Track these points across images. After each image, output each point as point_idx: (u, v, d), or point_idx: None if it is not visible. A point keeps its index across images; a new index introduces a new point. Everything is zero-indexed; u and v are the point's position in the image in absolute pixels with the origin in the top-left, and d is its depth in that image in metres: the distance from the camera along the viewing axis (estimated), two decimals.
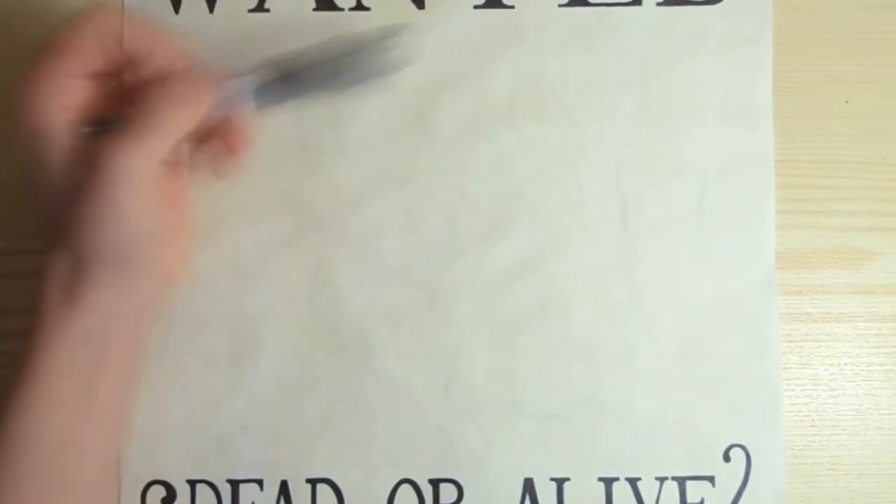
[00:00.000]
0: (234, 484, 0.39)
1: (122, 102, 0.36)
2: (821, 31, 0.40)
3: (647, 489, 0.39)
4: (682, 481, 0.39)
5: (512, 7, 0.40)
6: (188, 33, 0.40)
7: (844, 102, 0.40)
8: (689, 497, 0.39)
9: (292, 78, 0.35)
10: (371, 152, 0.40)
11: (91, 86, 0.34)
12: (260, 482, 0.39)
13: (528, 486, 0.39)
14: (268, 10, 0.40)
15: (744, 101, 0.40)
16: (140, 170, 0.32)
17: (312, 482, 0.39)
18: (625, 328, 0.39)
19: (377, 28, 0.37)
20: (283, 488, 0.39)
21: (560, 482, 0.39)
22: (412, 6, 0.40)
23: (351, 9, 0.40)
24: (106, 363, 0.34)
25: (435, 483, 0.39)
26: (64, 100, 0.32)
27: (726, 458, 0.39)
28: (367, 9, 0.40)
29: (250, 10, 0.40)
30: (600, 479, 0.39)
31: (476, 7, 0.40)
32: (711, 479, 0.39)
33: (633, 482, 0.39)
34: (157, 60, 0.34)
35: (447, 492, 0.39)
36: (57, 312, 0.33)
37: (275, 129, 0.39)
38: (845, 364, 0.40)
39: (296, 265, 0.39)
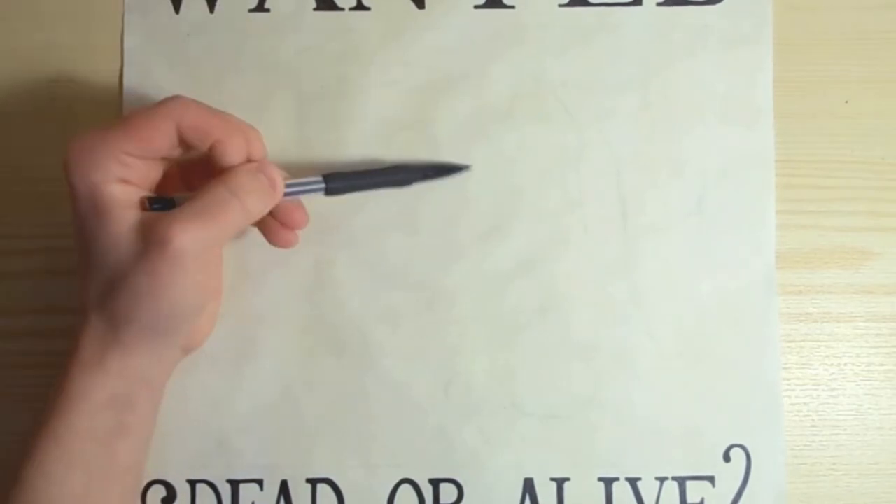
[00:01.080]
0: (234, 484, 0.39)
1: (184, 179, 0.37)
2: (821, 31, 0.40)
3: (647, 489, 0.39)
4: (682, 481, 0.39)
5: (512, 7, 0.40)
6: (188, 33, 0.40)
7: (844, 102, 0.40)
8: (689, 497, 0.39)
9: (361, 175, 0.37)
10: (371, 152, 0.40)
11: (156, 164, 0.34)
12: (260, 482, 0.39)
13: (528, 486, 0.39)
14: (268, 10, 0.40)
15: (744, 101, 0.40)
16: (199, 253, 0.32)
17: (312, 482, 0.39)
18: (625, 328, 0.39)
19: (444, 163, 0.39)
20: (283, 488, 0.39)
21: (560, 482, 0.39)
22: (412, 6, 0.40)
23: (351, 9, 0.40)
24: (128, 428, 0.34)
25: (435, 483, 0.39)
26: (127, 174, 0.33)
27: (726, 458, 0.39)
28: (368, 9, 0.40)
29: (250, 10, 0.40)
30: (600, 479, 0.39)
31: (476, 7, 0.40)
32: (711, 479, 0.39)
33: (633, 482, 0.39)
34: (237, 152, 0.34)
35: (447, 492, 0.39)
36: (86, 375, 0.33)
37: (275, 130, 0.39)
38: (845, 364, 0.40)
39: (296, 265, 0.39)
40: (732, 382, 0.39)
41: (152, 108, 0.33)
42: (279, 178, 0.34)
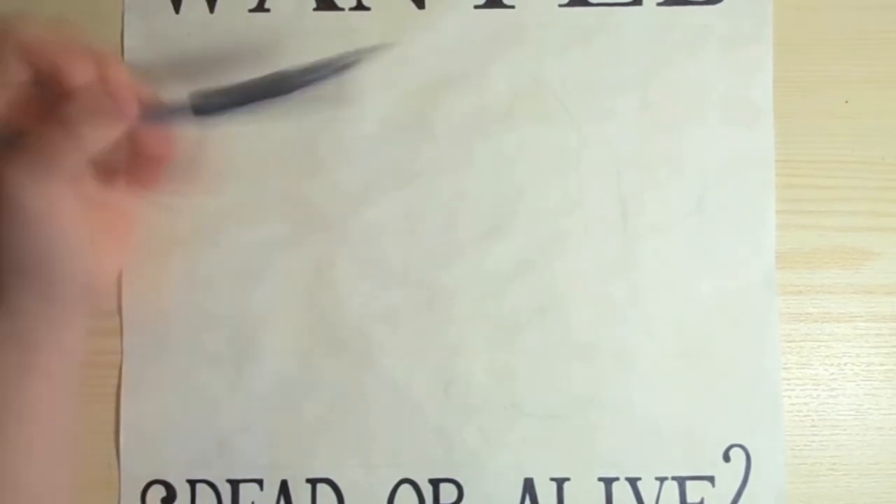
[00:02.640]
0: (234, 484, 0.39)
1: (38, 113, 0.34)
2: (821, 31, 0.40)
3: (647, 489, 0.39)
4: (682, 481, 0.39)
5: (512, 7, 0.40)
6: (188, 33, 0.40)
7: (844, 102, 0.40)
8: (689, 497, 0.39)
9: (232, 88, 0.34)
10: (371, 152, 0.40)
11: (2, 94, 0.32)
12: (260, 482, 0.39)
13: (528, 486, 0.39)
14: (268, 10, 0.40)
15: (744, 101, 0.40)
16: (45, 187, 0.31)
17: (312, 482, 0.39)
18: (625, 328, 0.39)
19: (326, 60, 0.35)
20: (283, 488, 0.39)
21: (560, 482, 0.39)
22: (412, 6, 0.40)
23: (351, 9, 0.40)
24: (33, 366, 0.33)
25: (435, 483, 0.39)
26: None
27: (726, 458, 0.39)
28: (368, 9, 0.40)
29: (250, 10, 0.40)
30: (600, 479, 0.39)
31: (476, 7, 0.40)
32: (711, 479, 0.39)
33: (633, 482, 0.39)
34: (80, 73, 0.32)
35: (447, 492, 0.39)
36: None
37: (275, 130, 0.39)
38: (845, 364, 0.40)
39: (296, 265, 0.39)
40: (732, 382, 0.39)
41: None
42: (130, 101, 0.32)
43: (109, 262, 0.36)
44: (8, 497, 0.33)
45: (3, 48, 0.31)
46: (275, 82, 0.34)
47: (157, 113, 0.33)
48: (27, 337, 0.33)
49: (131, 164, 0.36)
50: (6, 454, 0.33)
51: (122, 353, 0.39)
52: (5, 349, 0.33)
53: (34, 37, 0.31)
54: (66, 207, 0.32)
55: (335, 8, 0.40)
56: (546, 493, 0.39)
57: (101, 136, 0.32)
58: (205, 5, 0.40)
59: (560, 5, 0.40)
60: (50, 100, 0.33)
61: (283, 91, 0.34)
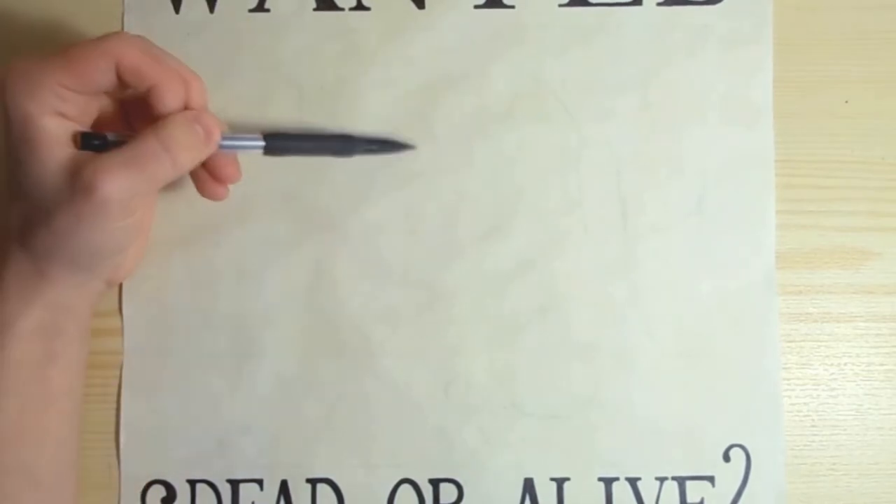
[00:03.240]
0: (234, 484, 0.39)
1: (125, 117, 0.36)
2: (821, 31, 0.40)
3: (647, 489, 0.39)
4: (681, 481, 0.39)
5: (512, 7, 0.40)
6: (188, 33, 0.40)
7: (844, 102, 0.40)
8: (689, 497, 0.39)
9: (303, 136, 0.38)
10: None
11: (95, 99, 0.34)
12: (260, 482, 0.39)
13: (528, 486, 0.39)
14: (268, 10, 0.40)
15: (744, 101, 0.40)
16: (124, 202, 0.32)
17: (312, 482, 0.39)
18: (624, 328, 0.39)
19: (388, 139, 0.39)
20: (283, 488, 0.39)
21: (560, 482, 0.39)
22: (412, 6, 0.40)
23: (351, 9, 0.40)
24: (56, 354, 0.34)
25: (435, 483, 0.39)
26: (62, 107, 0.32)
27: (726, 458, 0.39)
28: (368, 9, 0.40)
29: (250, 10, 0.40)
30: (600, 479, 0.39)
31: (476, 7, 0.40)
32: (711, 479, 0.39)
33: (633, 482, 0.39)
34: (173, 98, 0.33)
35: (447, 492, 0.39)
36: (13, 306, 0.33)
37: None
38: (845, 364, 0.40)
39: (296, 265, 0.39)
40: (732, 382, 0.39)
41: (93, 42, 0.32)
42: (216, 130, 0.34)
43: (133, 256, 0.38)
44: (17, 483, 0.33)
45: (104, 62, 0.32)
46: (342, 143, 0.38)
47: (230, 141, 0.35)
48: (54, 325, 0.34)
49: (198, 179, 0.37)
50: (21, 441, 0.33)
51: (122, 353, 0.39)
52: (36, 338, 0.34)
53: (136, 57, 0.32)
54: (146, 214, 0.36)
55: (335, 8, 0.40)
56: (546, 493, 0.39)
57: (192, 159, 0.34)
58: (205, 5, 0.40)
59: (560, 5, 0.40)
60: (141, 113, 0.35)
61: (346, 152, 0.38)
